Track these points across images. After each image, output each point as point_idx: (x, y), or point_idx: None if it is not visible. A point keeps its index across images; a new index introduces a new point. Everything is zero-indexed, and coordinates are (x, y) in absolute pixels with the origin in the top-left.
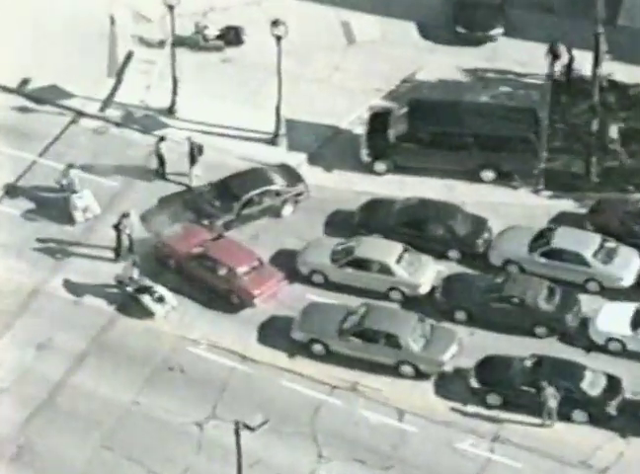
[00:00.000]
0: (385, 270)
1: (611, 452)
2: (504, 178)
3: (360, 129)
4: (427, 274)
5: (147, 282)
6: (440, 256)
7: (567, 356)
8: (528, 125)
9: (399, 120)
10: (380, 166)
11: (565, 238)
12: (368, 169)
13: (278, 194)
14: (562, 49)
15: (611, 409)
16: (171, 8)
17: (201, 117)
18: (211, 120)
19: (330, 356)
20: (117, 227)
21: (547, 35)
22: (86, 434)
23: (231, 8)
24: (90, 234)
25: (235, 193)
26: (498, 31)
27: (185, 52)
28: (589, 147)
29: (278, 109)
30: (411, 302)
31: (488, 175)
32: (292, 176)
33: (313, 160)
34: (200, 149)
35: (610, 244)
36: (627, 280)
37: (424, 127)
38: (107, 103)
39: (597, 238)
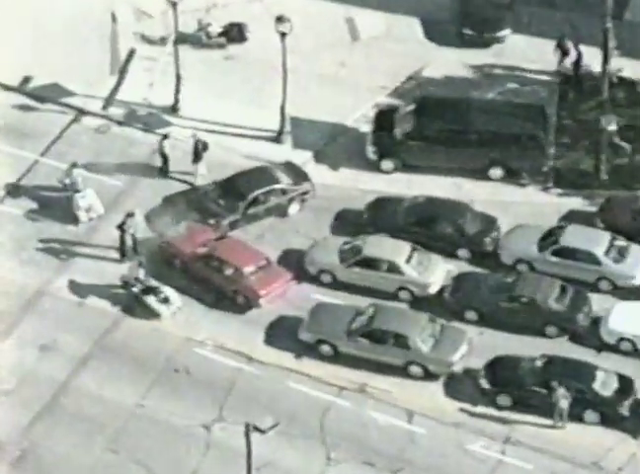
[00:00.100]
0: (394, 269)
1: (624, 453)
2: (512, 176)
3: (366, 127)
4: (436, 273)
5: (153, 283)
6: (449, 255)
7: (578, 357)
8: (537, 122)
9: (406, 118)
10: (387, 164)
11: (576, 236)
12: (375, 167)
13: (284, 192)
14: (570, 45)
15: (624, 409)
16: (174, 5)
17: (205, 115)
18: (215, 118)
19: (338, 357)
20: (121, 227)
21: (555, 30)
22: (91, 436)
23: (233, 4)
24: (94, 234)
25: (240, 191)
26: (505, 32)
27: (187, 50)
28: (598, 144)
29: (282, 106)
30: (420, 302)
31: (496, 173)
32: (298, 174)
33: (319, 158)
34: (205, 146)
35: (621, 242)
36: (639, 279)
37: (431, 125)
38: (109, 101)
39: (607, 236)
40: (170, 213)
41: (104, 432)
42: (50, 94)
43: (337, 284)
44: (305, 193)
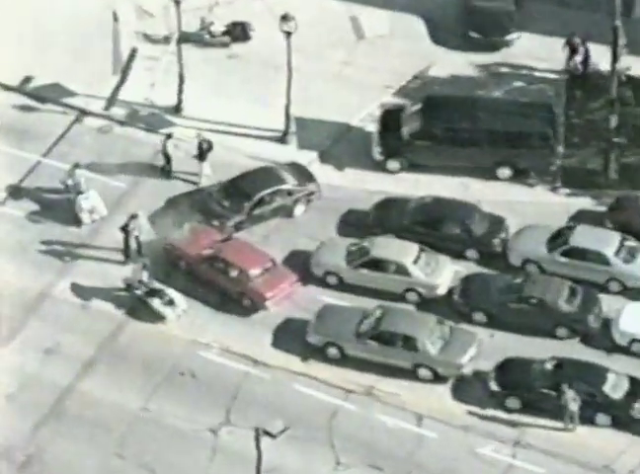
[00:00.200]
0: (402, 270)
1: (635, 456)
2: (520, 175)
3: (372, 127)
4: (444, 274)
5: (157, 285)
6: (457, 256)
7: (588, 358)
8: (545, 121)
9: (412, 117)
10: (393, 164)
11: (585, 237)
12: (381, 167)
13: (289, 193)
14: (579, 43)
15: (635, 412)
16: (177, 3)
17: (209, 114)
18: (219, 118)
19: (345, 360)
20: (124, 229)
21: (562, 28)
22: (96, 441)
23: (236, 2)
24: (97, 236)
25: (246, 192)
26: (513, 36)
27: (190, 49)
28: (607, 143)
29: (287, 106)
30: (428, 304)
31: (504, 172)
32: (304, 175)
33: (324, 158)
34: (210, 145)
35: (631, 242)
36: None
37: (438, 124)
38: (111, 101)
39: (617, 236)
40: (174, 215)
41: (109, 436)
42: (52, 94)
43: (343, 286)
44: (311, 193)
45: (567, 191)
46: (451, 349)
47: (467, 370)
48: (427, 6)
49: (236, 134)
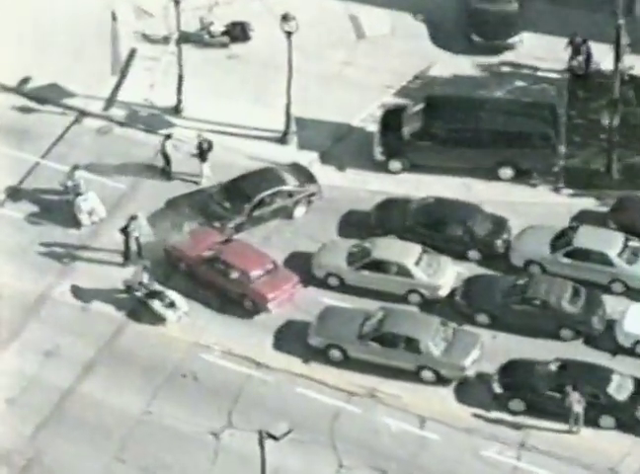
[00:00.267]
0: (404, 272)
1: None
2: (522, 175)
3: (373, 127)
4: (446, 275)
5: (157, 287)
6: (459, 257)
7: (592, 360)
8: (547, 121)
9: (413, 117)
10: (395, 164)
11: (588, 237)
12: (382, 168)
13: (290, 194)
14: (580, 42)
15: None
16: (177, 3)
17: (208, 115)
18: (219, 119)
19: (347, 362)
20: (124, 230)
21: (563, 27)
22: (97, 444)
23: (235, 2)
24: (96, 238)
25: (246, 193)
26: (516, 39)
27: (189, 49)
28: (610, 143)
29: (287, 106)
30: (430, 305)
31: (506, 172)
32: (304, 175)
33: (325, 159)
34: (210, 145)
35: (635, 243)
36: None
37: (440, 124)
38: (110, 102)
39: (620, 237)
40: (174, 216)
41: (110, 439)
42: (50, 95)
43: (345, 288)
44: (312, 194)
45: (569, 191)
46: (454, 350)
47: (470, 372)
48: (428, 4)
49: (236, 135)
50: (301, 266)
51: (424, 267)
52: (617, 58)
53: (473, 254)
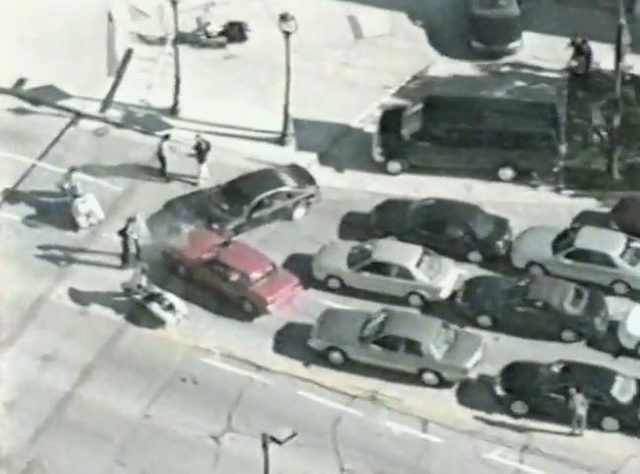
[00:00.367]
0: (405, 274)
1: None
2: (523, 176)
3: (372, 128)
4: (447, 277)
5: (156, 290)
6: (460, 258)
7: (595, 362)
8: (548, 121)
9: (413, 118)
10: (394, 166)
11: (590, 238)
12: (382, 169)
13: (289, 195)
14: (580, 42)
15: None
16: (174, 3)
17: (206, 116)
18: (216, 120)
19: (348, 365)
20: (123, 233)
21: (563, 27)
22: (96, 449)
23: (232, 2)
24: (94, 240)
25: (245, 195)
26: (516, 44)
27: (186, 49)
28: (611, 144)
29: (286, 107)
30: (431, 307)
31: (507, 173)
32: (303, 177)
33: (324, 160)
34: (208, 146)
35: (637, 244)
36: None
37: (439, 125)
38: (107, 103)
39: (622, 238)
40: (173, 219)
41: (110, 443)
42: (46, 96)
43: (345, 290)
44: (311, 196)
45: (570, 192)
46: (456, 353)
47: (473, 375)
48: (426, 4)
49: (234, 136)
50: (301, 268)
51: (425, 268)
52: (618, 58)
53: (474, 255)
